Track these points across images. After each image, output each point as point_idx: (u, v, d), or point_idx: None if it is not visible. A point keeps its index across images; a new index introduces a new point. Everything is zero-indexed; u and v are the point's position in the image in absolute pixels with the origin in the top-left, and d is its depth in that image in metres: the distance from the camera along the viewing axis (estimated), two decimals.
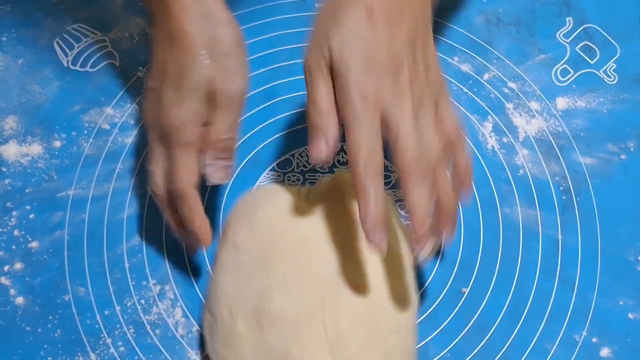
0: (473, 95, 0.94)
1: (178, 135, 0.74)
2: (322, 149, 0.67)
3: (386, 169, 0.76)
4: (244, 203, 0.80)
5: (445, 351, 0.81)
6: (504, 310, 0.82)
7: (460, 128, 0.73)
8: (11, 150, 0.90)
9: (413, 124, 0.67)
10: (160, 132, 0.76)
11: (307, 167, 0.89)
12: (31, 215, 0.86)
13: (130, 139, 0.91)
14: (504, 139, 0.91)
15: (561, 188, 0.88)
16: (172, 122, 0.74)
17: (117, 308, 0.82)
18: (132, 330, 0.81)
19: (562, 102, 0.94)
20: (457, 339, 0.81)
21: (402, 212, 0.83)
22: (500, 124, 0.92)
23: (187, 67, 0.74)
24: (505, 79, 0.95)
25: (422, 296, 0.83)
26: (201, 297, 0.82)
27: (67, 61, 0.96)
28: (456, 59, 0.96)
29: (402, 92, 0.67)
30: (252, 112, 0.90)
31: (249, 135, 0.91)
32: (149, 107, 0.79)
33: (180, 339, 0.81)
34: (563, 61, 0.97)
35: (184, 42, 0.75)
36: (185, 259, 0.84)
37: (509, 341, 0.81)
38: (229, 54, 0.76)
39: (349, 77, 0.67)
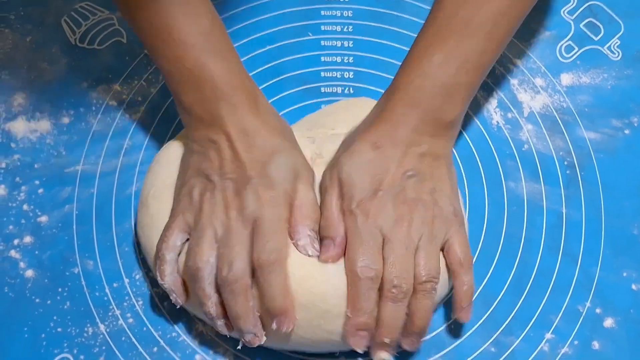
0: None
1: (272, 215, 0.74)
2: (330, 254, 0.75)
3: None
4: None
5: (451, 322, 0.81)
6: (508, 282, 0.83)
7: (464, 253, 0.77)
8: (20, 127, 0.91)
9: (403, 252, 0.73)
10: (249, 218, 0.74)
11: None
12: (40, 190, 0.87)
13: (137, 115, 0.92)
14: (509, 115, 0.92)
15: (565, 163, 0.89)
16: (268, 206, 0.74)
17: (126, 280, 0.83)
18: (140, 302, 0.82)
19: (566, 78, 0.95)
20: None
21: None
22: (505, 99, 0.93)
23: (269, 153, 0.77)
24: (510, 55, 0.96)
25: None
26: None
27: (75, 39, 0.97)
28: None
29: (400, 218, 0.75)
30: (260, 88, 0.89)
31: None
32: (219, 196, 0.76)
33: (188, 310, 0.81)
34: (567, 38, 0.97)
35: (262, 133, 0.77)
36: None
37: (513, 313, 0.82)
38: (294, 140, 0.82)
39: (353, 193, 0.75)
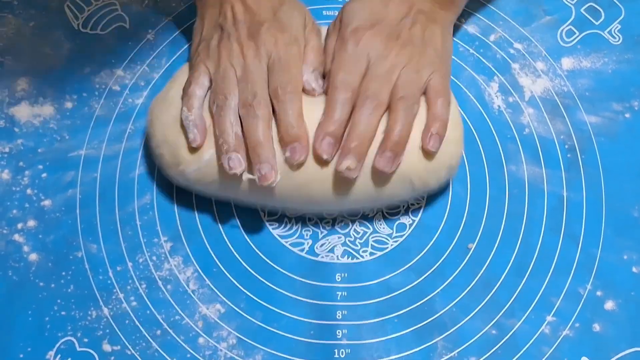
0: (479, 56, 0.95)
1: (291, 47, 0.80)
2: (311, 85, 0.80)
3: None
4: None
5: (452, 305, 0.81)
6: (509, 265, 0.83)
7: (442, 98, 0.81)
8: (23, 111, 0.91)
9: (383, 73, 0.78)
10: (264, 53, 0.79)
11: None
12: (44, 175, 0.87)
13: (140, 100, 0.92)
14: (510, 99, 0.92)
15: (566, 146, 0.89)
16: (281, 42, 0.80)
17: (129, 264, 0.83)
18: (144, 286, 0.82)
19: (567, 63, 0.94)
20: (464, 294, 0.82)
21: None
22: (507, 83, 0.93)
23: (285, 3, 0.83)
24: (511, 39, 0.96)
25: (429, 252, 0.83)
26: (212, 254, 0.83)
27: (78, 24, 0.97)
28: (463, 20, 0.96)
29: (389, 51, 0.80)
30: None
31: None
32: (235, 41, 0.81)
33: (191, 294, 0.81)
34: (568, 22, 0.97)
35: None
36: (196, 217, 0.85)
37: (515, 295, 0.81)
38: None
39: (349, 24, 0.81)
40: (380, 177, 0.78)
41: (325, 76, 0.81)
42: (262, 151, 0.75)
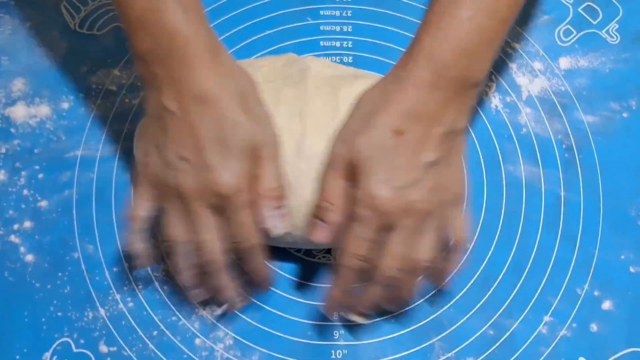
0: None
1: (236, 199, 0.71)
2: (322, 235, 0.73)
3: None
4: None
5: (450, 305, 0.80)
6: (507, 264, 0.82)
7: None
8: (20, 112, 0.90)
9: (403, 244, 0.71)
10: (210, 201, 0.71)
11: None
12: (40, 175, 0.86)
13: (137, 100, 0.91)
14: (508, 99, 0.91)
15: (564, 146, 0.88)
16: (226, 188, 0.70)
17: (126, 265, 0.82)
18: (140, 287, 0.81)
19: (564, 62, 0.94)
20: (462, 293, 0.81)
21: None
22: (504, 83, 0.92)
23: (228, 128, 0.70)
24: (508, 39, 0.95)
25: None
26: None
27: (74, 24, 0.96)
28: None
29: (409, 209, 0.71)
30: None
31: None
32: (180, 177, 0.72)
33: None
34: (566, 22, 0.96)
35: (219, 104, 0.70)
36: None
37: (512, 295, 0.81)
38: (257, 105, 0.75)
39: (369, 182, 0.70)
40: None
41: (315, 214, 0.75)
42: (226, 294, 0.76)
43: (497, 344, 0.79)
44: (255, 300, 0.80)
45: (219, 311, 0.79)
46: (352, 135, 0.72)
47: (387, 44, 0.95)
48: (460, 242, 0.75)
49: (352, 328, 0.79)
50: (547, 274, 0.82)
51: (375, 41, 0.96)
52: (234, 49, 0.94)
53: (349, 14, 0.97)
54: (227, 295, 0.75)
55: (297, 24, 0.96)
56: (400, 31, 0.96)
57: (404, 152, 0.70)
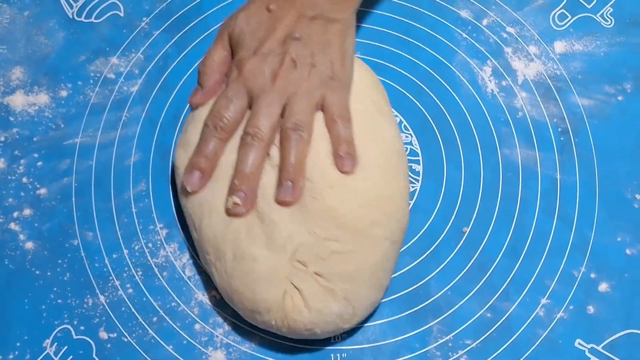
0: (472, 41, 0.92)
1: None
2: (197, 99, 0.79)
3: None
4: None
5: (447, 288, 0.79)
6: (504, 248, 0.81)
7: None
8: (18, 100, 0.89)
9: (267, 104, 0.75)
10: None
11: None
12: (39, 163, 0.85)
13: (135, 87, 0.89)
14: (503, 83, 0.89)
15: (559, 129, 0.87)
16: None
17: (125, 251, 0.81)
18: (139, 273, 0.80)
19: (559, 46, 0.92)
20: (459, 277, 0.80)
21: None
22: (500, 67, 0.90)
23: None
24: (504, 24, 0.93)
25: (424, 235, 0.81)
26: None
27: (72, 13, 0.94)
28: (455, 5, 0.94)
29: (271, 74, 0.76)
30: None
31: None
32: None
33: (187, 280, 0.79)
34: (560, 6, 0.95)
35: None
36: None
37: (509, 278, 0.80)
38: None
39: (239, 48, 0.78)
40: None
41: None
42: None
43: (494, 327, 0.77)
44: None
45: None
46: (234, 15, 0.81)
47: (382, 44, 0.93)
48: (339, 115, 0.76)
49: None
50: (543, 257, 0.80)
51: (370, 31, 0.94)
52: None
53: None
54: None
55: None
56: (393, 33, 0.94)
57: (272, 25, 0.78)
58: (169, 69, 0.89)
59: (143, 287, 0.79)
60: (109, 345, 0.77)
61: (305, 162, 0.74)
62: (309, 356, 0.77)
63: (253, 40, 0.78)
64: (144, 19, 0.93)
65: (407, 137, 0.85)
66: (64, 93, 0.89)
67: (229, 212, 0.74)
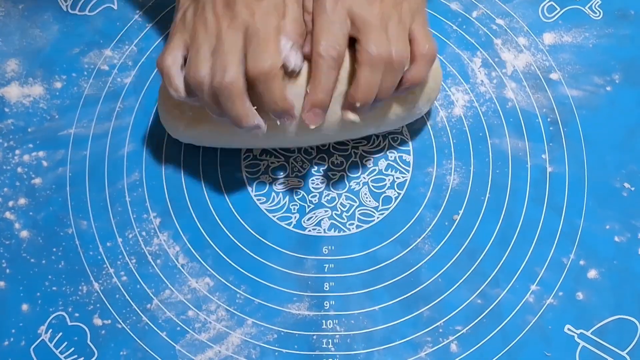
0: (462, 32, 0.93)
1: (269, 28, 0.72)
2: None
3: None
4: None
5: (437, 276, 0.80)
6: (494, 236, 0.81)
7: (428, 47, 0.76)
8: (13, 92, 0.89)
9: (379, 27, 0.72)
10: (240, 28, 0.72)
11: None
12: (34, 153, 0.86)
13: (128, 79, 0.90)
14: (493, 73, 0.90)
15: (549, 119, 0.87)
16: (259, 18, 0.72)
17: (119, 240, 0.81)
18: (133, 261, 0.80)
19: (549, 38, 0.93)
20: (449, 264, 0.80)
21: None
22: (489, 59, 0.91)
23: None
24: (493, 15, 0.94)
25: (415, 224, 0.82)
26: (200, 228, 0.82)
27: (67, 6, 0.95)
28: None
29: (370, 2, 0.73)
30: None
31: None
32: (210, 12, 0.74)
33: (181, 268, 0.80)
34: None
35: None
36: (184, 192, 0.83)
37: (499, 265, 0.80)
38: None
39: None
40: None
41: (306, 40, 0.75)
42: (245, 122, 0.72)
43: (484, 313, 0.78)
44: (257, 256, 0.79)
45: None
46: None
47: None
48: (428, 51, 0.75)
49: (342, 299, 0.78)
50: (533, 244, 0.81)
51: None
52: None
53: None
54: (247, 123, 0.73)
55: None
56: None
57: None
58: None
59: (137, 275, 0.79)
60: (103, 332, 0.77)
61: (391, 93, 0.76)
62: (302, 342, 0.77)
63: None
64: (137, 11, 0.94)
65: (397, 127, 0.86)
66: (58, 84, 0.90)
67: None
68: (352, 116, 0.74)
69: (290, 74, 0.74)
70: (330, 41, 0.72)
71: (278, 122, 0.74)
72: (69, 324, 0.78)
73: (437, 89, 0.82)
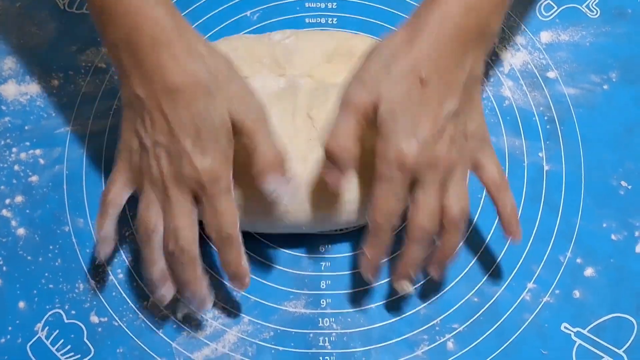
0: None
1: (218, 184, 0.69)
2: (336, 180, 0.70)
3: None
4: None
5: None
6: (490, 233, 0.81)
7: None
8: (10, 90, 0.89)
9: (433, 195, 0.69)
10: (188, 187, 0.70)
11: None
12: (31, 151, 0.86)
13: None
14: (490, 72, 0.90)
15: (545, 118, 0.87)
16: (202, 174, 0.68)
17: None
18: (130, 259, 0.80)
19: (546, 36, 0.93)
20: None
21: None
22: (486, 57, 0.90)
23: (200, 113, 0.68)
24: None
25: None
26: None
27: (64, 3, 0.95)
28: None
29: (436, 163, 0.69)
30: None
31: None
32: (157, 163, 0.70)
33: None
34: None
35: (189, 91, 0.68)
36: None
37: (496, 263, 0.80)
38: (233, 80, 0.71)
39: (394, 134, 0.68)
40: None
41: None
42: (192, 290, 0.71)
43: (481, 311, 0.78)
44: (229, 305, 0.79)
45: (184, 311, 0.77)
46: (373, 79, 0.69)
47: (372, 20, 0.94)
48: (501, 180, 0.74)
49: (339, 297, 0.78)
50: (530, 243, 0.81)
51: (360, 17, 0.94)
52: (217, 28, 0.93)
53: None
54: (197, 290, 0.71)
55: (281, 1, 0.95)
56: (386, 8, 0.95)
57: (429, 102, 0.68)
58: None
59: (133, 273, 0.79)
60: (99, 330, 0.77)
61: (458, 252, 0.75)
62: (298, 340, 0.77)
63: (406, 126, 0.68)
64: None
65: None
66: (55, 82, 0.90)
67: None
68: (405, 286, 0.75)
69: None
70: (389, 211, 0.70)
71: (229, 285, 0.75)
72: (66, 321, 0.77)
73: None
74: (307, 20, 0.95)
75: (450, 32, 0.68)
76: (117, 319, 0.77)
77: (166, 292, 0.72)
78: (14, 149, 0.85)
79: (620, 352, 0.76)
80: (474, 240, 0.81)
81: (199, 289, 0.71)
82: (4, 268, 0.80)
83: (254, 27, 0.94)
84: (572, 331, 0.77)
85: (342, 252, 0.81)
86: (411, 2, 0.95)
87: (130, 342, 0.77)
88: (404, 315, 0.78)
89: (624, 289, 0.79)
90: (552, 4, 0.95)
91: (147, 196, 0.71)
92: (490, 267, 0.80)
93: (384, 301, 0.78)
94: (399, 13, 0.94)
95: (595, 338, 0.77)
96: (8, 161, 0.85)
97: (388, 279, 0.79)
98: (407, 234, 0.70)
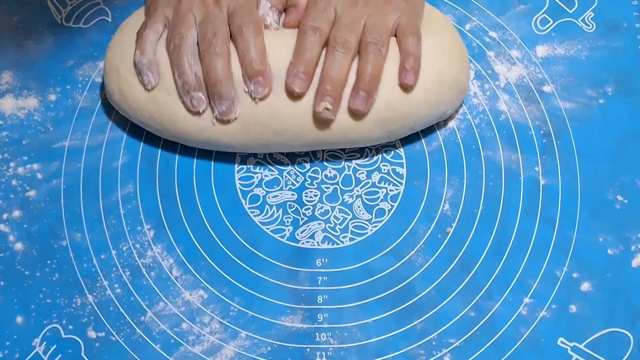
0: None
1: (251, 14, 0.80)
2: (290, 18, 0.83)
3: None
4: None
5: (431, 288, 0.80)
6: (487, 248, 0.81)
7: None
8: (8, 104, 0.89)
9: (351, 20, 0.80)
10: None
11: None
12: (28, 166, 0.86)
13: None
14: (486, 86, 0.90)
15: (542, 132, 0.87)
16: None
17: (113, 252, 0.81)
18: (127, 273, 0.80)
19: (541, 50, 0.93)
20: (443, 276, 0.80)
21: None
22: (482, 71, 0.91)
23: None
24: (486, 28, 0.94)
25: (407, 236, 0.82)
26: (194, 241, 0.82)
27: (61, 18, 0.95)
28: (439, 10, 0.94)
29: (356, 1, 0.80)
30: None
31: None
32: None
33: (174, 280, 0.80)
34: (542, 11, 0.96)
35: None
36: (178, 204, 0.83)
37: (492, 277, 0.80)
38: None
39: None
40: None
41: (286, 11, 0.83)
42: (222, 87, 0.77)
43: (478, 326, 0.78)
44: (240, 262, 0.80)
45: (213, 118, 0.80)
46: None
47: None
48: (406, 33, 0.81)
49: (336, 312, 0.79)
50: (526, 257, 0.81)
51: None
52: None
53: None
54: (225, 90, 0.77)
55: None
56: None
57: None
58: None
59: (131, 287, 0.79)
60: (97, 344, 0.77)
61: (380, 76, 0.79)
62: (295, 355, 0.77)
63: None
64: None
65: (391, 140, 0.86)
66: (52, 97, 0.90)
67: (319, 116, 0.78)
68: (325, 104, 0.78)
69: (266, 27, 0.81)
70: (315, 20, 0.79)
71: (252, 88, 0.78)
72: (63, 336, 0.77)
73: (465, 79, 0.85)
74: None
75: None
76: (114, 333, 0.78)
77: (201, 101, 0.79)
78: (12, 164, 0.86)
79: None
80: (470, 255, 0.81)
81: (228, 90, 0.77)
82: (2, 283, 0.80)
83: None
84: (568, 346, 0.77)
85: (339, 266, 0.80)
86: None
87: (127, 357, 0.77)
88: (400, 330, 0.78)
89: (621, 303, 0.79)
90: (547, 17, 0.95)
91: (182, 13, 0.80)
92: (487, 281, 0.80)
93: (381, 316, 0.78)
94: None
95: (591, 353, 0.77)
96: (5, 176, 0.85)
97: (384, 294, 0.79)
98: (327, 48, 0.78)
